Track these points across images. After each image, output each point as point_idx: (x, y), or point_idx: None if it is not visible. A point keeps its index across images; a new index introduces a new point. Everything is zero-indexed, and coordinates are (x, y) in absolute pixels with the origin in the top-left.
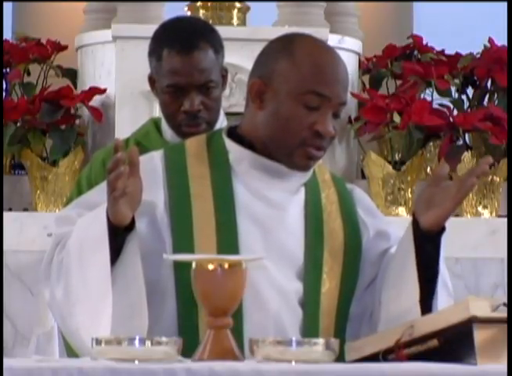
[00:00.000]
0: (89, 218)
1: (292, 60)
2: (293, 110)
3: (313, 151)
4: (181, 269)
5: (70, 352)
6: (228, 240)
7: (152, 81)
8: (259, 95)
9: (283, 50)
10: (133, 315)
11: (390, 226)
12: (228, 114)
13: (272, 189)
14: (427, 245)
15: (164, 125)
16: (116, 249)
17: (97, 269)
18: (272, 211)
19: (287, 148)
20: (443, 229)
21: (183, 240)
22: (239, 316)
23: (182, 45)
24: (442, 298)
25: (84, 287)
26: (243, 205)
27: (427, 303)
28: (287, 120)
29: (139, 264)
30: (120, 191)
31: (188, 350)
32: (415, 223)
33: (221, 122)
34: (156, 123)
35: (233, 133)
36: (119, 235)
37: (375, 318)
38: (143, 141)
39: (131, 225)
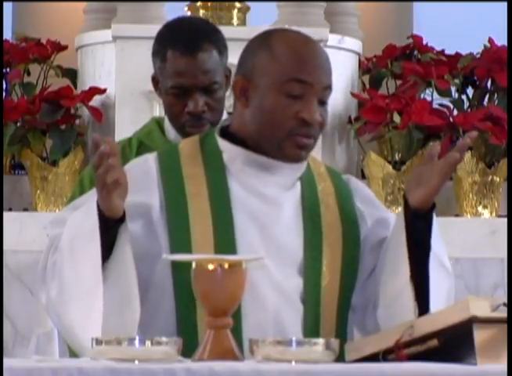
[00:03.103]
0: (79, 214)
1: (270, 52)
2: (276, 101)
3: (303, 140)
4: (179, 268)
5: (73, 352)
6: (225, 237)
7: (155, 81)
8: (243, 93)
9: (261, 45)
10: (123, 308)
11: (389, 214)
12: (229, 114)
13: (267, 185)
14: (417, 222)
15: (167, 125)
16: (108, 243)
17: (88, 262)
18: (269, 207)
19: (276, 140)
20: (433, 206)
21: (180, 238)
22: (237, 316)
23: (187, 47)
24: (438, 277)
25: (77, 280)
26: (239, 203)
27: (421, 281)
28: (272, 112)
29: (130, 256)
30: (112, 183)
31: (188, 350)
32: (406, 203)
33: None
34: (158, 122)
35: (226, 132)
36: (110, 227)
37: (376, 305)
38: (146, 140)
39: (121, 217)
